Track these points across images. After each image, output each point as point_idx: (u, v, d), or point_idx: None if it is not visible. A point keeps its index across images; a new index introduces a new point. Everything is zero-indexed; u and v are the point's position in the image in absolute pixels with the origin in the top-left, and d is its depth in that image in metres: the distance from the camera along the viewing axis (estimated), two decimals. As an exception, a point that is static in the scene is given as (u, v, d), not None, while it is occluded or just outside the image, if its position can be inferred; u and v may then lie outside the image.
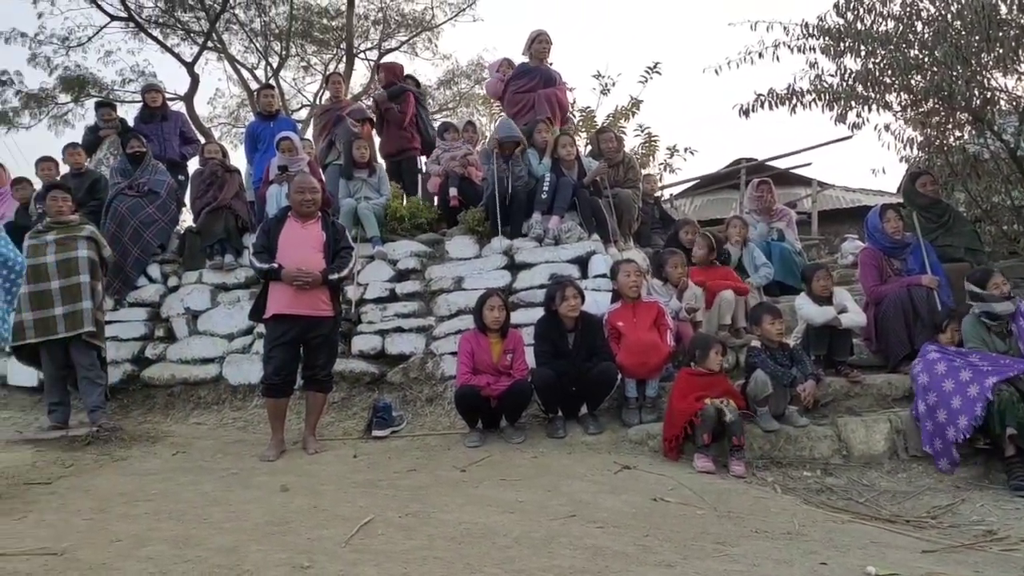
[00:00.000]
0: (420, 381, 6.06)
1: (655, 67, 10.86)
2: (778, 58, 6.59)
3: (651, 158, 11.38)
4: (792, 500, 4.01)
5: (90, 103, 16.66)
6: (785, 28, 6.62)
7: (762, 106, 6.56)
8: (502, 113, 11.53)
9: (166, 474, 4.49)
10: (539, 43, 7.61)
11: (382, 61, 9.69)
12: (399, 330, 6.31)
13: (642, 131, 11.29)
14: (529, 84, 7.52)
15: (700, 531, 3.31)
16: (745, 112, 6.57)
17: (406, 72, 8.93)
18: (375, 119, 8.26)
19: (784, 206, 7.86)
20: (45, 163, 7.81)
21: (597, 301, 5.75)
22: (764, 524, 3.48)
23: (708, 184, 16.48)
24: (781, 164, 13.66)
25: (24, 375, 6.70)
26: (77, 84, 18.00)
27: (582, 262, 6.27)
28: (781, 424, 4.74)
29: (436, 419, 5.73)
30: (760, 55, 6.64)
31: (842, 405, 5.06)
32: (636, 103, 11.13)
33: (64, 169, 7.72)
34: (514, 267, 6.44)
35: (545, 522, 3.37)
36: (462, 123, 8.80)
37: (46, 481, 4.29)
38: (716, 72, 6.83)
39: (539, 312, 5.59)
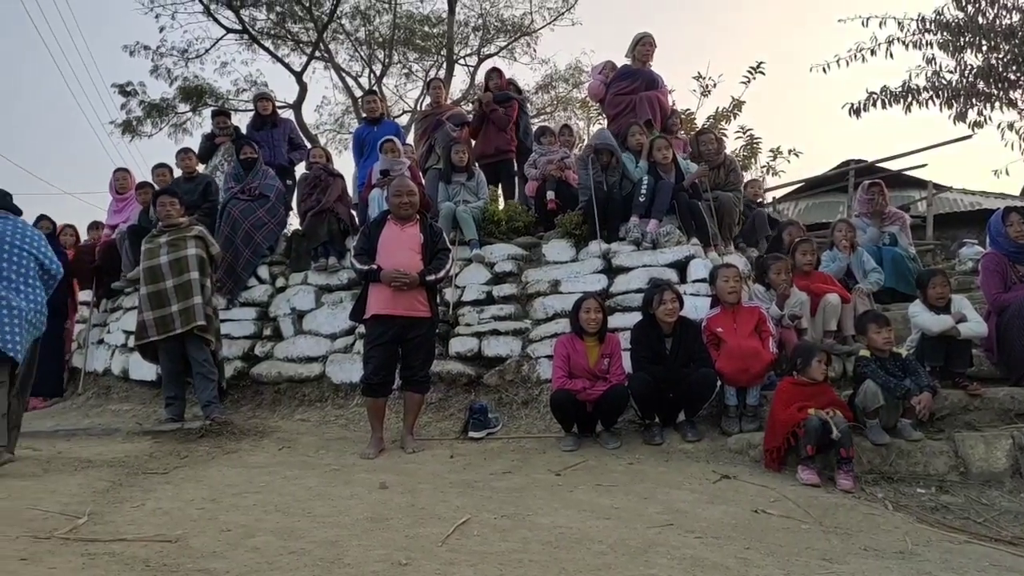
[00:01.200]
0: (516, 384, 6.09)
1: (758, 67, 10.58)
2: (891, 55, 6.34)
3: (753, 160, 11.11)
4: (904, 517, 3.81)
5: (207, 112, 17.53)
6: (899, 23, 6.35)
7: (874, 105, 6.31)
8: (601, 116, 11.45)
9: (272, 468, 4.65)
10: (643, 45, 7.54)
11: (495, 65, 9.78)
12: (495, 332, 6.35)
13: (744, 133, 11.04)
14: (631, 86, 7.45)
15: (804, 546, 3.19)
16: (856, 111, 6.34)
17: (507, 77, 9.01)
18: (476, 120, 8.34)
19: (897, 209, 7.51)
20: (160, 169, 8.26)
21: (696, 306, 5.63)
22: (874, 542, 3.32)
23: (814, 187, 15.92)
24: (893, 165, 13.05)
25: (144, 369, 7.09)
26: (195, 94, 18.97)
27: (681, 266, 6.16)
28: (893, 437, 4.51)
29: (531, 422, 5.74)
30: (872, 52, 6.41)
31: (959, 419, 4.78)
32: (738, 104, 10.90)
33: (178, 174, 8.14)
34: (611, 271, 6.38)
35: (641, 530, 3.32)
36: (559, 127, 8.80)
37: (163, 471, 4.53)
38: (824, 70, 6.64)
39: (636, 316, 5.52)
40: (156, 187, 7.88)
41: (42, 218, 8.15)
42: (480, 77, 20.79)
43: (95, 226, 9.02)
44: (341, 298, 7.09)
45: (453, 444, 5.40)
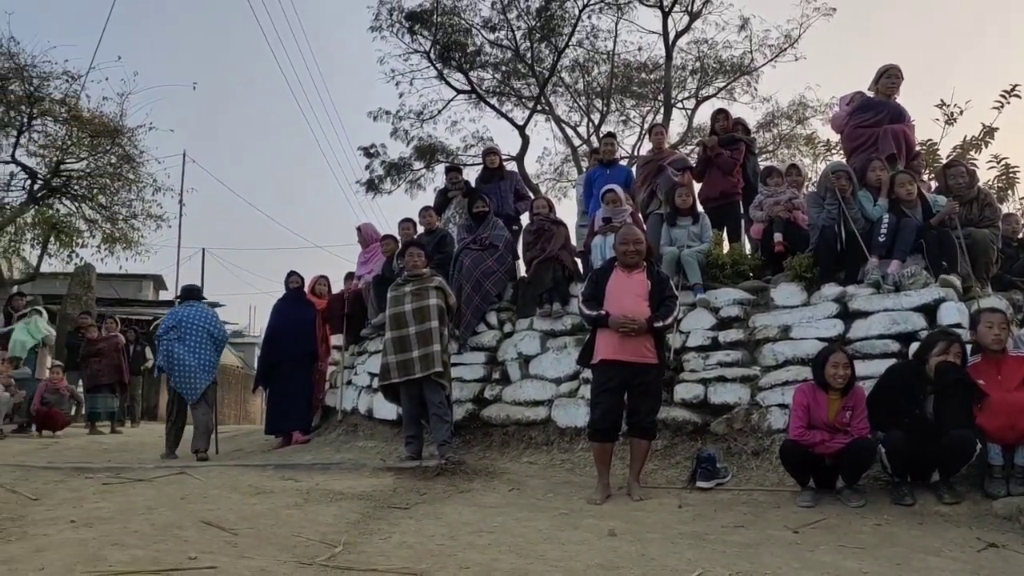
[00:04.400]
0: (745, 433, 5.85)
1: (1013, 90, 9.57)
2: None
3: (1010, 192, 10.01)
4: None
5: (439, 168, 18.87)
6: None
7: None
8: (831, 151, 10.88)
9: (503, 508, 4.81)
10: (888, 78, 7.10)
11: (721, 107, 9.73)
12: (721, 379, 6.17)
13: (997, 162, 10.00)
14: (874, 118, 7.00)
15: (1098, 633, 2.78)
16: None
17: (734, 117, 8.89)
18: (700, 163, 8.28)
19: None
20: (405, 224, 8.93)
21: (949, 355, 5.13)
22: None
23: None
24: None
25: (386, 409, 7.64)
26: (428, 152, 20.54)
27: (929, 310, 5.66)
28: None
29: (763, 474, 5.49)
30: None
31: None
32: (990, 131, 9.89)
33: (420, 229, 8.76)
34: (847, 315, 6.00)
35: (895, 599, 3.06)
36: (785, 166, 8.48)
37: (405, 506, 4.83)
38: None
39: (877, 365, 5.18)
40: (399, 239, 8.55)
41: (292, 274, 9.03)
42: (698, 119, 20.65)
43: (350, 276, 9.86)
44: (565, 343, 7.24)
45: (680, 493, 5.29)
